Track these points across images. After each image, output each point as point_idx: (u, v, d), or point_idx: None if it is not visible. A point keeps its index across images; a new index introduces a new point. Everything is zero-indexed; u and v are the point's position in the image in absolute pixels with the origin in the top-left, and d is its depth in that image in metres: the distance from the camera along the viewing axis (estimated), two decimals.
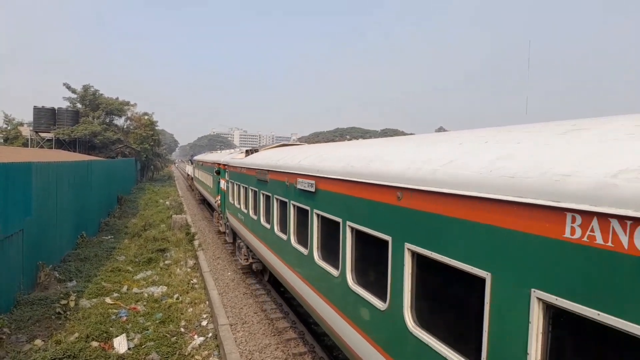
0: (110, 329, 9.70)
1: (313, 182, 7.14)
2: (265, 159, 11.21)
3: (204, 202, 32.49)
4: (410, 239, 4.44)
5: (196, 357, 8.84)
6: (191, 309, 11.41)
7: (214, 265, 15.36)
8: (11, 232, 10.65)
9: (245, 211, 13.06)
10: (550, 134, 3.55)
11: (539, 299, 2.92)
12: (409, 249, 4.45)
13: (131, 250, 17.16)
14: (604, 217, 2.50)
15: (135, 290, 12.64)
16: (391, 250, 4.78)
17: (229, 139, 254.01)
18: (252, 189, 12.18)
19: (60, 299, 11.13)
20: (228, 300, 11.83)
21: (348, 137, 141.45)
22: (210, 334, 9.97)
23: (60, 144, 45.62)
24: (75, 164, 18.98)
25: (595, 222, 2.55)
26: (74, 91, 49.78)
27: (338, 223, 6.19)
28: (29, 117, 52.98)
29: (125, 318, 10.45)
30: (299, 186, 7.82)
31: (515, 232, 3.13)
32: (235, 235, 16.00)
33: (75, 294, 11.57)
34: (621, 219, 2.41)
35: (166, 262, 15.86)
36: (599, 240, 2.53)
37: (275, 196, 9.60)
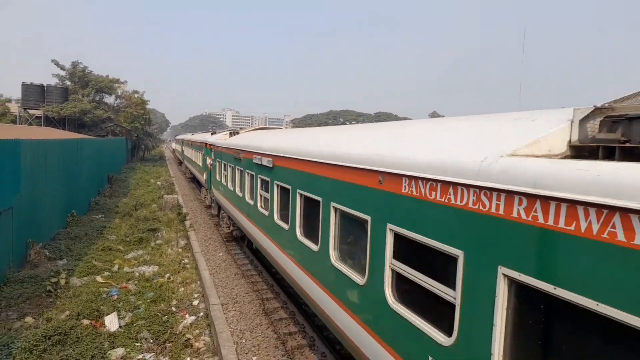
0: (101, 307, 9.72)
1: (271, 159, 9.42)
2: (246, 140, 13.08)
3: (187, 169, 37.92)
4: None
5: (187, 335, 8.91)
6: (182, 289, 11.46)
7: (206, 246, 15.39)
8: (0, 210, 10.55)
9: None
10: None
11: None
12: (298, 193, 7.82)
13: (122, 230, 17.10)
14: None
15: (126, 269, 12.64)
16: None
17: (221, 119, 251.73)
18: (233, 167, 13.85)
19: (51, 277, 11.11)
20: (219, 281, 11.89)
21: (341, 119, 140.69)
22: (201, 313, 10.04)
23: (50, 122, 44.94)
24: (65, 142, 18.74)
25: None
26: (62, 68, 48.86)
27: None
28: (17, 93, 52.11)
29: (116, 297, 10.47)
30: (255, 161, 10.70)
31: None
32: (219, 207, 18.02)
33: (65, 272, 11.55)
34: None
35: (157, 242, 15.85)
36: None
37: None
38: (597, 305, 2.48)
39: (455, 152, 3.90)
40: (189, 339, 8.80)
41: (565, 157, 3.22)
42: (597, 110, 3.14)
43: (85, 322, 8.94)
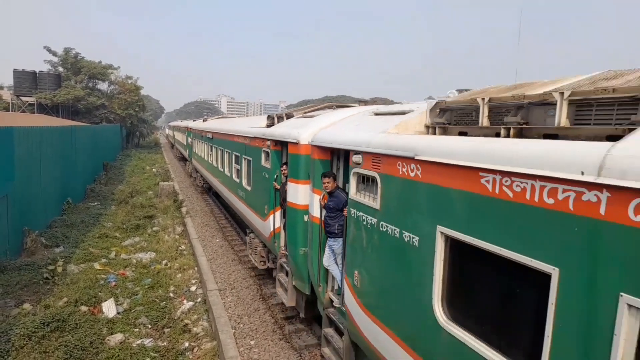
0: (99, 293, 9.76)
1: (211, 135, 17.81)
2: (211, 124, 20.17)
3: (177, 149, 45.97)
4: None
5: (185, 321, 8.98)
6: (180, 275, 11.50)
7: (202, 232, 15.42)
8: None
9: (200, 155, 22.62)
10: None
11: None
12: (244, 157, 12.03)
13: (118, 217, 17.09)
14: None
15: (123, 256, 12.67)
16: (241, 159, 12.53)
17: (216, 105, 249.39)
18: (201, 141, 21.24)
19: (48, 265, 11.12)
20: (217, 267, 11.94)
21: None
22: (199, 299, 10.10)
23: (43, 109, 44.49)
24: (59, 129, 18.59)
25: None
26: (54, 54, 48.16)
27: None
28: (8, 80, 51.45)
29: (114, 283, 10.51)
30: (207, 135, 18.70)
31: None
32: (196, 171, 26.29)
33: (62, 260, 11.56)
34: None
35: (154, 228, 15.86)
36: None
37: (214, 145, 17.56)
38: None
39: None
40: (187, 324, 8.87)
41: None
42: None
43: (84, 308, 8.98)
